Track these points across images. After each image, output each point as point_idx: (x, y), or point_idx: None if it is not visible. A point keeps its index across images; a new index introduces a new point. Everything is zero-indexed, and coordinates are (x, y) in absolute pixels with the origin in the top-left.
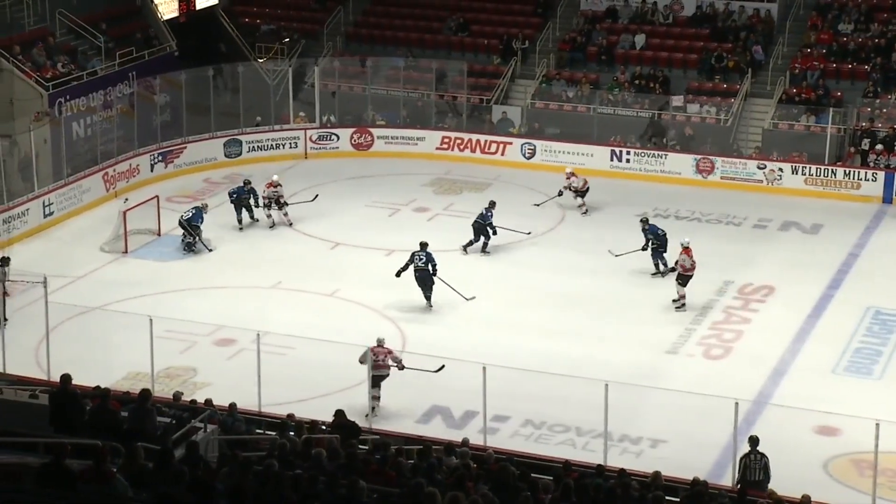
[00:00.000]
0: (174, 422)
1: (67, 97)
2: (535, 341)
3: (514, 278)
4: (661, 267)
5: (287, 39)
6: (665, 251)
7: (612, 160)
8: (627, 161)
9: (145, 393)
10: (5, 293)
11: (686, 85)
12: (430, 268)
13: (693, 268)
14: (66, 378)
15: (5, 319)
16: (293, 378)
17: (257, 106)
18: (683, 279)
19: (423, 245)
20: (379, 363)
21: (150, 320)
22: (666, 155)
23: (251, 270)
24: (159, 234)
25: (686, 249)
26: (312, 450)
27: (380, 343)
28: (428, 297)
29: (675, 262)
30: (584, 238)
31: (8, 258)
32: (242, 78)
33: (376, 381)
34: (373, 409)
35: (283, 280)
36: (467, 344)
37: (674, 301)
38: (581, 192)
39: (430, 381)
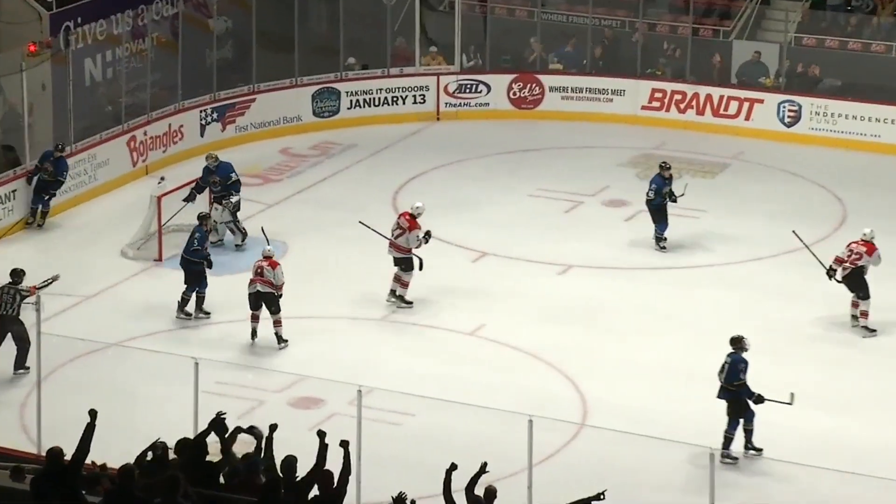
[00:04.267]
0: None
1: (78, 20)
2: (821, 418)
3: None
4: None
5: None
6: None
7: None
8: None
9: (174, 479)
10: (18, 328)
11: None
12: None
13: None
14: (55, 453)
15: (24, 368)
16: (410, 460)
17: (365, 38)
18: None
19: None
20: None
21: (196, 365)
22: None
23: (344, 291)
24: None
25: None
26: None
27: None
28: None
29: None
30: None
31: (21, 270)
32: None
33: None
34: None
35: (396, 308)
36: (686, 416)
37: None
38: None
39: None
